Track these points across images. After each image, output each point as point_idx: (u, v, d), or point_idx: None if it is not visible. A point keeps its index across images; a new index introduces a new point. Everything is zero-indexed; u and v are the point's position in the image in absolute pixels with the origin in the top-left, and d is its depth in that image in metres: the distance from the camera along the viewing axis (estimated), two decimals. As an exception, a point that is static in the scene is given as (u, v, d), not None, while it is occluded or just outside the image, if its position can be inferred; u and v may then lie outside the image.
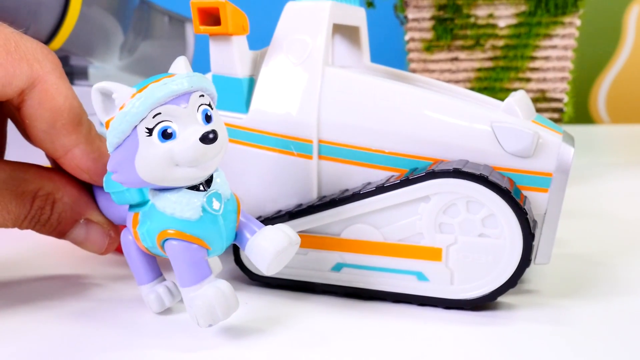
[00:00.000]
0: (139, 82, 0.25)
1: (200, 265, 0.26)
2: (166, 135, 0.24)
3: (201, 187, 0.26)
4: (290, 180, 0.31)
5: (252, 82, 0.32)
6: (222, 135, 0.25)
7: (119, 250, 0.30)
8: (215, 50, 0.31)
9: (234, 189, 0.32)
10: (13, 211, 0.29)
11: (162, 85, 0.24)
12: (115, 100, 0.24)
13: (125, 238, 0.29)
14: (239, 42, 0.31)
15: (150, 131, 0.24)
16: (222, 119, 0.26)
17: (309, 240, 0.30)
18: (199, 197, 0.25)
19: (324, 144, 0.30)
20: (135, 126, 0.24)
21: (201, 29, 0.30)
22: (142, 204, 0.27)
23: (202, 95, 0.25)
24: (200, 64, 0.50)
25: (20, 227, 0.29)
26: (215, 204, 0.26)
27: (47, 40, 0.41)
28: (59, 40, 0.41)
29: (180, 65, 0.26)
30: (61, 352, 0.26)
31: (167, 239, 0.26)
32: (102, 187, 0.29)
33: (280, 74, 0.31)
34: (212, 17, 0.30)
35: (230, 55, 0.31)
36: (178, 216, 0.25)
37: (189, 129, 0.24)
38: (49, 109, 0.28)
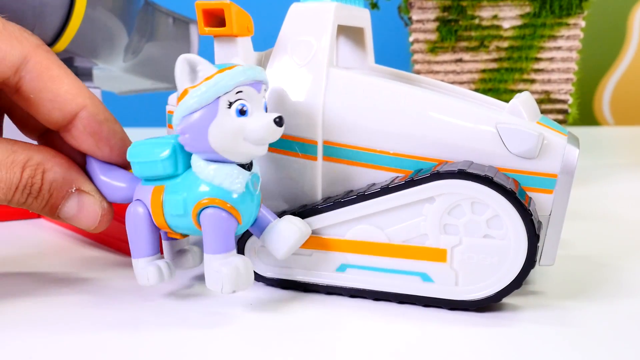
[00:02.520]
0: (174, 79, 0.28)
1: (232, 236, 0.28)
2: (242, 112, 0.27)
3: (247, 167, 0.28)
4: (294, 181, 0.31)
5: (256, 83, 0.32)
6: None
7: (105, 243, 0.31)
8: (220, 51, 0.31)
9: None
10: (3, 179, 0.28)
11: (247, 69, 0.27)
12: (199, 72, 0.27)
13: (134, 210, 0.30)
14: (244, 43, 0.31)
15: (230, 104, 0.27)
16: None
17: (313, 241, 0.30)
18: (246, 175, 0.28)
19: (328, 145, 0.30)
20: (219, 97, 0.27)
21: (206, 30, 0.30)
22: (170, 177, 0.29)
23: (266, 90, 0.29)
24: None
25: (12, 200, 0.29)
26: (255, 185, 0.29)
27: (52, 42, 0.41)
28: (63, 42, 0.41)
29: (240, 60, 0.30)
30: (59, 343, 0.26)
31: (207, 207, 0.28)
32: (99, 163, 0.31)
33: (285, 75, 0.31)
34: (216, 19, 0.30)
35: (235, 56, 0.31)
36: (226, 187, 0.27)
37: (258, 112, 0.28)
38: (49, 78, 0.29)
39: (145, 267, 0.30)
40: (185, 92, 0.27)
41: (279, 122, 0.27)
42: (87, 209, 0.30)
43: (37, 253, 0.39)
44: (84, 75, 0.48)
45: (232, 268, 0.27)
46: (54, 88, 0.29)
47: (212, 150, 0.27)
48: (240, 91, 0.27)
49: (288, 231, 0.29)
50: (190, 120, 0.27)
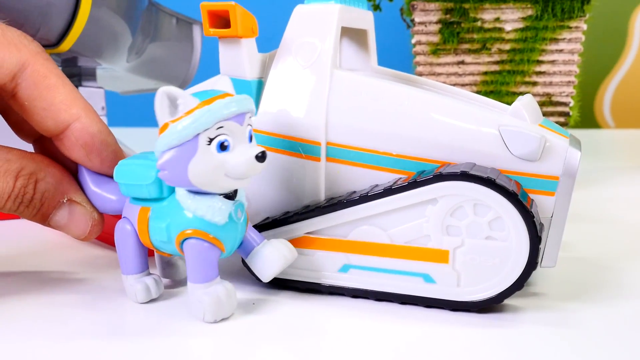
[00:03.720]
0: (196, 90, 0.27)
1: (214, 266, 0.28)
2: (223, 147, 0.26)
3: (231, 195, 0.28)
4: (298, 182, 0.31)
5: (260, 84, 0.32)
6: None
7: (101, 238, 0.31)
8: (225, 52, 0.31)
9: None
10: None
11: (229, 102, 0.26)
12: (179, 106, 0.26)
13: (122, 227, 0.30)
14: (248, 45, 0.31)
15: (210, 141, 0.26)
16: None
17: (316, 241, 0.30)
18: (228, 206, 0.27)
19: (331, 146, 0.31)
20: (198, 134, 0.26)
21: (211, 31, 0.30)
22: (156, 199, 0.28)
23: (250, 117, 0.28)
24: (208, 66, 0.51)
25: (4, 207, 0.29)
26: (239, 214, 0.28)
27: (57, 42, 0.41)
28: (68, 42, 0.42)
29: (227, 84, 0.29)
30: (53, 343, 0.26)
31: (189, 238, 0.27)
32: (90, 173, 0.31)
33: (289, 76, 0.31)
34: (221, 20, 0.30)
35: (240, 57, 0.31)
36: (208, 219, 0.27)
37: (241, 146, 0.27)
38: (45, 87, 0.29)
39: (134, 284, 0.30)
40: (165, 126, 0.26)
41: (261, 157, 0.26)
42: (77, 219, 0.31)
43: (36, 251, 0.39)
44: (88, 75, 0.49)
45: (213, 298, 0.27)
46: (48, 97, 0.29)
47: (192, 185, 0.27)
48: (221, 126, 0.26)
49: (272, 257, 0.29)
50: (169, 157, 0.26)
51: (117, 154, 0.31)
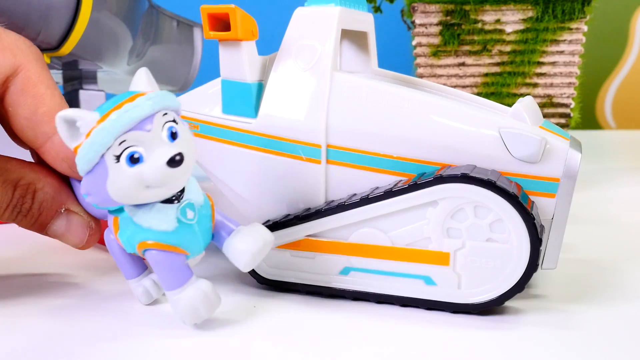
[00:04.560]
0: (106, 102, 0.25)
1: (181, 270, 0.27)
2: (134, 160, 0.24)
3: (174, 199, 0.26)
4: (298, 185, 0.31)
5: (261, 87, 0.32)
6: (189, 154, 0.25)
7: (102, 242, 0.31)
8: (225, 55, 0.31)
9: (243, 193, 0.32)
10: None
11: (124, 112, 0.24)
12: (80, 128, 0.25)
13: (108, 237, 0.30)
14: (249, 48, 0.31)
15: (117, 157, 0.24)
16: (187, 130, 0.26)
17: (317, 244, 0.30)
18: (172, 210, 0.26)
19: (332, 148, 0.31)
20: (103, 154, 0.24)
21: (211, 34, 0.30)
22: (117, 210, 0.27)
23: (166, 114, 0.25)
24: (209, 69, 0.51)
25: (2, 217, 0.29)
26: (189, 214, 0.27)
27: (58, 45, 0.41)
28: (69, 45, 0.42)
29: (142, 81, 0.26)
30: (55, 345, 0.26)
31: (147, 250, 0.27)
32: (80, 182, 0.30)
33: (289, 79, 0.31)
34: (221, 23, 0.30)
35: (240, 60, 0.31)
36: (155, 229, 0.26)
37: (156, 151, 0.25)
38: (31, 96, 0.29)
39: (135, 288, 0.30)
40: (74, 151, 0.25)
41: (174, 161, 0.24)
42: (75, 228, 0.31)
43: (36, 255, 0.39)
44: (89, 78, 0.49)
45: (187, 303, 0.27)
46: (32, 106, 0.29)
47: (120, 203, 0.26)
48: (124, 140, 0.24)
49: (245, 245, 0.28)
50: (86, 182, 0.25)
51: None
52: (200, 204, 0.27)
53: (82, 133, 0.25)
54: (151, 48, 0.54)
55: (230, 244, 0.28)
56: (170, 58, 0.58)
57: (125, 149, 0.24)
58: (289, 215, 0.31)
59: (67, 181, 0.31)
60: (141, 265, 0.30)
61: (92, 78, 0.49)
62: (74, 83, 0.48)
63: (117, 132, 0.24)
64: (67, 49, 0.42)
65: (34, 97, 0.29)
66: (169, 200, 0.26)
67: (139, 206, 0.26)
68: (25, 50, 0.29)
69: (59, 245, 0.40)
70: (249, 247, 0.28)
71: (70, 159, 0.29)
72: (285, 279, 0.31)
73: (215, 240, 0.28)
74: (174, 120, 0.26)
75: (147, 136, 0.25)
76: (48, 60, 0.45)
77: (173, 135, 0.25)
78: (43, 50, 0.42)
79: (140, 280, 0.30)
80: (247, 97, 0.31)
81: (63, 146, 0.29)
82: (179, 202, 0.27)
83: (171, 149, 0.25)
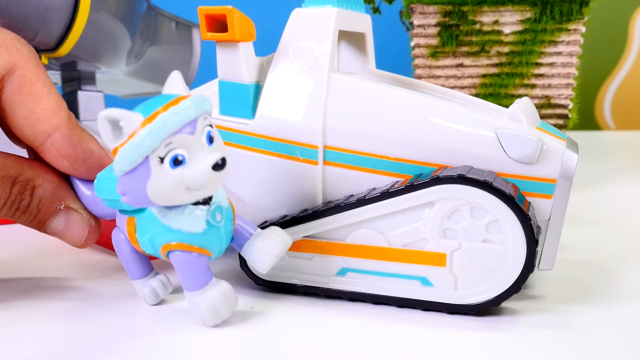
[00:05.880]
0: (146, 97, 0.26)
1: (204, 272, 0.28)
2: (177, 162, 0.25)
3: (205, 201, 0.27)
4: (295, 186, 0.31)
5: (258, 88, 0.32)
6: (227, 158, 0.26)
7: (99, 243, 0.31)
8: (222, 56, 0.31)
9: (240, 194, 0.32)
10: None
11: (172, 115, 0.25)
12: (123, 128, 0.25)
13: (117, 236, 0.30)
14: (246, 49, 0.31)
15: (162, 159, 0.25)
16: (219, 133, 0.27)
17: (313, 245, 0.30)
18: (203, 213, 0.27)
19: (329, 149, 0.31)
20: (147, 156, 0.25)
21: (208, 35, 0.30)
22: (137, 211, 0.28)
23: (206, 117, 0.26)
24: (207, 69, 0.51)
25: (0, 213, 0.29)
26: (217, 217, 0.27)
27: (56, 46, 0.41)
28: (67, 46, 0.42)
29: (177, 83, 0.27)
30: (60, 348, 0.26)
31: (173, 250, 0.27)
32: (81, 179, 0.30)
33: (286, 80, 0.31)
34: (219, 24, 0.30)
35: (237, 61, 0.31)
36: (185, 231, 0.26)
37: (198, 154, 0.25)
38: (28, 94, 0.28)
39: (142, 289, 0.30)
40: (115, 151, 0.25)
41: (220, 165, 0.25)
42: (74, 226, 0.30)
43: (35, 256, 0.39)
44: (87, 79, 0.49)
45: (209, 304, 0.27)
46: (30, 105, 0.29)
47: (157, 204, 0.26)
48: (170, 142, 0.25)
49: (266, 248, 0.28)
50: (125, 182, 0.25)
51: (104, 159, 0.30)
52: (226, 208, 0.28)
53: (125, 133, 0.25)
54: (150, 49, 0.54)
55: (251, 247, 0.29)
56: (169, 59, 0.58)
57: (170, 151, 0.25)
58: (286, 216, 0.31)
59: (66, 178, 0.31)
60: (147, 266, 0.30)
61: (90, 79, 0.49)
62: (72, 84, 0.48)
63: (165, 135, 0.25)
64: (65, 49, 0.42)
65: (31, 95, 0.29)
66: (199, 203, 0.27)
67: (170, 208, 0.27)
68: (21, 49, 0.29)
69: (57, 247, 0.40)
70: (271, 250, 0.28)
71: (71, 157, 0.29)
72: (282, 280, 0.31)
73: (233, 243, 0.29)
74: (211, 125, 0.26)
75: (191, 139, 0.25)
76: (46, 62, 0.45)
77: (211, 139, 0.26)
78: (41, 51, 0.42)
79: (146, 280, 0.30)
80: (245, 98, 0.31)
81: (64, 142, 0.29)
82: (209, 204, 0.27)
83: (214, 153, 0.25)
